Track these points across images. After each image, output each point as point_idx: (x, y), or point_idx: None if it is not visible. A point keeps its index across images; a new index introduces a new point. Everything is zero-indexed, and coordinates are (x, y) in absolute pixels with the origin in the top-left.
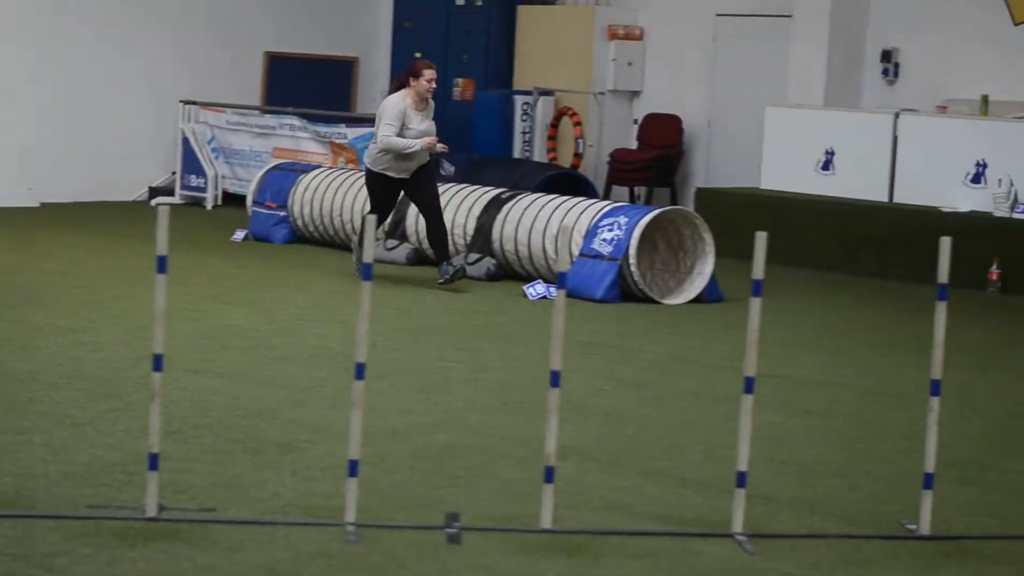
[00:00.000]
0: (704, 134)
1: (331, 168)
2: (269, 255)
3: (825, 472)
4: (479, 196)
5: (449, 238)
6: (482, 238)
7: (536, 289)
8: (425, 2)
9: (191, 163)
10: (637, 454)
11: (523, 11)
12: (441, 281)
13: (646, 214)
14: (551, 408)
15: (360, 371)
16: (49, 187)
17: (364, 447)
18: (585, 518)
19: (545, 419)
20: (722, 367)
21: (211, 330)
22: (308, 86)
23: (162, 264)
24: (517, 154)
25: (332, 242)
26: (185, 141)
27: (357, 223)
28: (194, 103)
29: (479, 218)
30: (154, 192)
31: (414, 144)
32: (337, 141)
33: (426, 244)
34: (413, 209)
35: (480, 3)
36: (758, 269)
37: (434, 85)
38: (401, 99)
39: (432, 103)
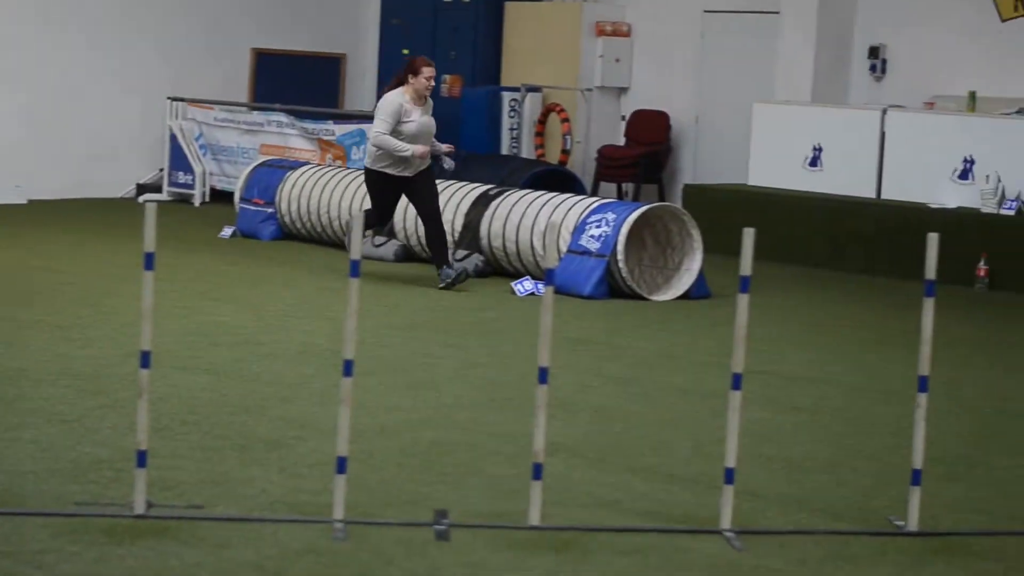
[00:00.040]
0: (692, 130)
1: (319, 165)
2: (257, 252)
3: (813, 468)
4: (467, 193)
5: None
6: (470, 235)
7: (524, 285)
8: None
9: (179, 160)
10: (625, 450)
11: (511, 7)
12: (442, 285)
13: (634, 210)
14: (539, 404)
15: (348, 368)
16: (37, 184)
17: (352, 444)
18: (573, 514)
19: (533, 415)
20: (710, 363)
21: (199, 327)
22: (296, 83)
23: (150, 261)
24: (505, 151)
25: (320, 239)
26: (173, 138)
27: (345, 219)
28: (182, 100)
29: (467, 215)
30: (142, 189)
31: (406, 149)
32: (325, 138)
33: (414, 241)
34: (401, 205)
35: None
36: (746, 265)
37: (433, 83)
38: (399, 96)
39: (431, 101)
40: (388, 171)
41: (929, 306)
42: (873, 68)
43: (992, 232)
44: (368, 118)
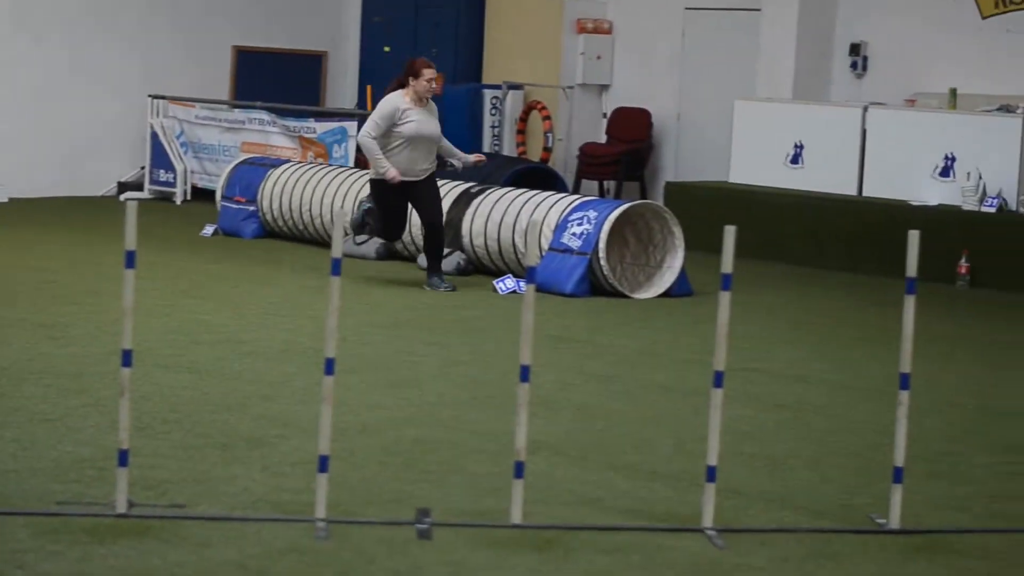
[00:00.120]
0: (673, 128)
1: (300, 163)
2: (238, 250)
3: (795, 466)
4: (448, 190)
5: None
6: (451, 232)
7: (506, 283)
8: None
9: (160, 158)
10: (607, 448)
11: (492, 5)
12: (428, 289)
13: (615, 208)
14: (521, 403)
15: (330, 366)
16: (18, 182)
17: (334, 442)
18: (555, 513)
19: (515, 414)
20: (692, 361)
21: (180, 325)
22: (277, 80)
23: (131, 259)
24: (486, 148)
25: (301, 237)
26: (154, 136)
27: (327, 217)
28: (163, 98)
29: (448, 213)
30: (123, 187)
31: (384, 167)
32: (306, 135)
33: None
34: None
35: None
36: (727, 263)
37: (434, 85)
38: (398, 98)
39: (433, 104)
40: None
41: (910, 303)
42: (854, 65)
43: (973, 229)
44: (349, 116)
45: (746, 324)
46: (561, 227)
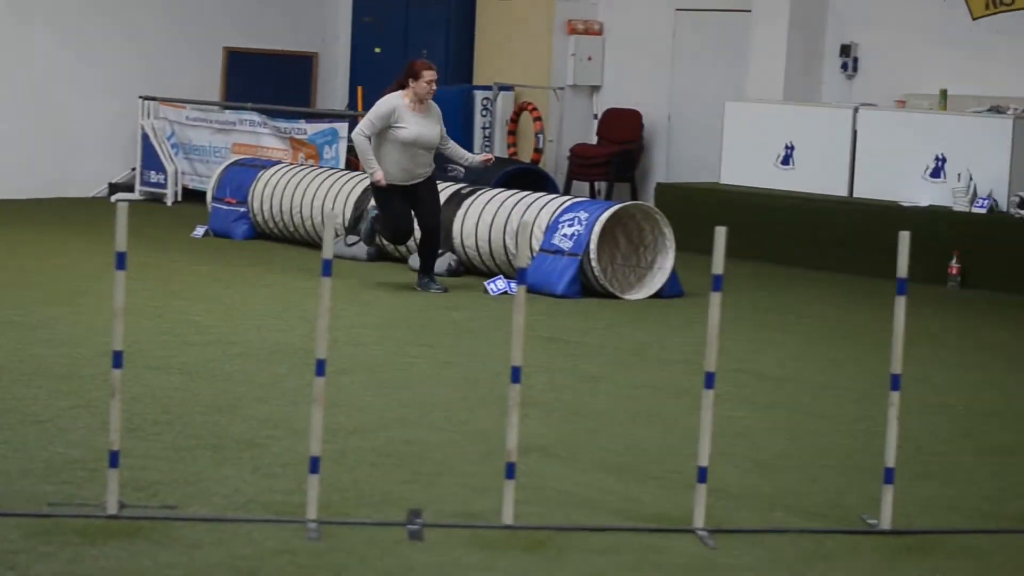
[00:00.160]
0: (664, 129)
1: (291, 164)
2: (229, 251)
3: (786, 467)
4: (439, 192)
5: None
6: (443, 233)
7: (497, 285)
8: None
9: (151, 159)
10: (598, 449)
11: (482, 6)
12: (419, 290)
13: (606, 209)
14: (512, 403)
15: (321, 367)
16: (8, 183)
17: (325, 443)
18: (546, 514)
19: (506, 414)
20: (683, 362)
21: (171, 326)
22: (268, 82)
23: (121, 260)
24: (477, 149)
25: (292, 238)
26: (144, 137)
27: (318, 219)
28: (153, 99)
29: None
30: (114, 188)
31: (373, 168)
32: (297, 137)
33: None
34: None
35: None
36: (718, 264)
37: (434, 87)
38: (396, 99)
39: (435, 106)
40: (392, 181)
41: (901, 304)
42: (845, 66)
43: (964, 230)
44: (340, 117)
45: (737, 325)
46: (552, 228)
